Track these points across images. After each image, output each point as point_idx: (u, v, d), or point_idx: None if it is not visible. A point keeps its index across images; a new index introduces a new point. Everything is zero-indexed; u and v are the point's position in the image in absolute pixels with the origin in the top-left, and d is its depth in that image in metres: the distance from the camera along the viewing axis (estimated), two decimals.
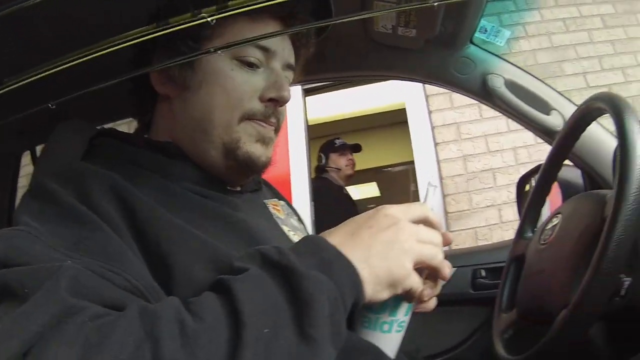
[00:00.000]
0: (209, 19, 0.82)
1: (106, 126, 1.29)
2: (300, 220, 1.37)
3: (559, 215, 1.18)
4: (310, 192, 4.37)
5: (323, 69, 1.82)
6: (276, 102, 1.06)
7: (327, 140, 4.79)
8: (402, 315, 0.88)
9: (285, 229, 1.16)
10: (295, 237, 1.14)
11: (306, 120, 4.68)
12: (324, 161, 4.64)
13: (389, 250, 0.79)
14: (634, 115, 0.94)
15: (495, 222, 4.08)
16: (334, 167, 4.60)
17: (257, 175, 1.15)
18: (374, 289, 0.78)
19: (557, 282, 1.06)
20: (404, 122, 4.57)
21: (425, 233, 0.84)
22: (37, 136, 1.90)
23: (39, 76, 0.92)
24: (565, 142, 1.30)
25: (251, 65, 1.04)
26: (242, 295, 0.65)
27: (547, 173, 1.37)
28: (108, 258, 0.76)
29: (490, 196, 4.15)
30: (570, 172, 1.63)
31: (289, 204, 1.40)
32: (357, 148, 4.84)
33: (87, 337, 0.58)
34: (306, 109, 4.75)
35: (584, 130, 1.24)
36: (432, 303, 0.93)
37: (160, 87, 1.07)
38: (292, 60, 1.13)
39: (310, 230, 1.28)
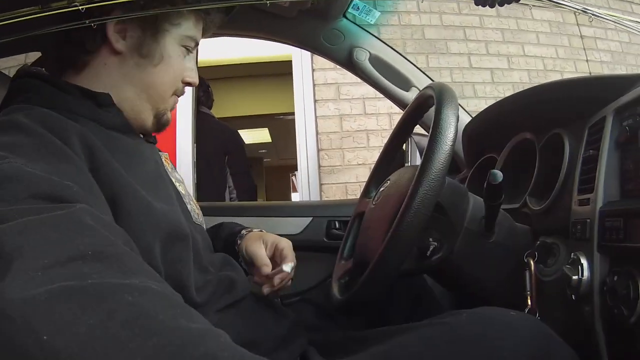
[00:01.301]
0: (80, 7, 0.93)
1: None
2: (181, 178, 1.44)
3: (389, 181, 1.31)
4: (193, 131, 4.32)
5: (205, 28, 1.93)
6: (189, 85, 1.24)
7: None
8: None
9: (172, 179, 1.26)
10: (180, 188, 1.27)
11: (195, 62, 4.61)
12: None
13: None
14: (453, 106, 1.07)
15: (364, 180, 4.10)
16: None
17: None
18: None
19: (376, 238, 1.17)
20: (290, 74, 4.65)
21: None
22: None
23: None
24: (406, 122, 1.45)
25: (187, 53, 1.22)
26: None
27: (391, 145, 1.52)
28: (84, 189, 0.79)
29: (362, 155, 4.29)
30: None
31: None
32: None
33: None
34: (197, 50, 4.67)
35: (423, 112, 1.35)
36: None
37: (117, 42, 1.10)
38: None
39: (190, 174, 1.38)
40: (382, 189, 1.33)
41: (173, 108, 1.24)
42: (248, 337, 1.02)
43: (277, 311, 1.21)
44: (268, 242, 1.28)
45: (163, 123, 1.22)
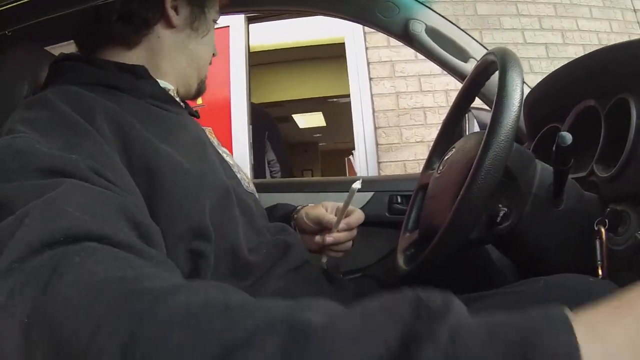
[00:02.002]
0: None
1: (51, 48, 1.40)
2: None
3: (454, 149, 1.29)
4: (248, 116, 4.40)
5: (258, 2, 1.96)
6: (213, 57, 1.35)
7: None
8: None
9: (219, 151, 1.28)
10: (228, 158, 1.30)
11: (248, 47, 4.68)
12: None
13: None
14: (518, 68, 1.05)
15: (423, 157, 4.07)
16: None
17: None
18: None
19: (442, 206, 1.17)
20: (344, 56, 4.64)
21: None
22: None
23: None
24: (468, 90, 1.42)
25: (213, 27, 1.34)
26: None
27: (453, 115, 1.49)
28: (102, 163, 0.79)
29: (420, 133, 4.26)
30: (489, 116, 1.77)
31: None
32: None
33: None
34: (248, 36, 4.76)
35: (485, 80, 1.34)
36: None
37: (173, 16, 1.19)
38: None
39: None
40: (446, 157, 1.31)
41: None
42: None
43: (339, 283, 1.20)
44: (328, 206, 1.37)
45: (203, 89, 1.34)
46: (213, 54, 1.35)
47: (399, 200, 2.06)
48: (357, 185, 1.19)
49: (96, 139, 0.85)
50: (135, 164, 0.90)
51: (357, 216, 1.37)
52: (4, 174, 0.70)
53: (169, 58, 1.21)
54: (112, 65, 1.13)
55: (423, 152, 4.21)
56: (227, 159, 1.30)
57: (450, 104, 1.48)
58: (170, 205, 0.91)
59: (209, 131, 1.35)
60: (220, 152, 1.28)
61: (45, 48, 1.40)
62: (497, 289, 0.96)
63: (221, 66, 4.46)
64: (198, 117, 1.35)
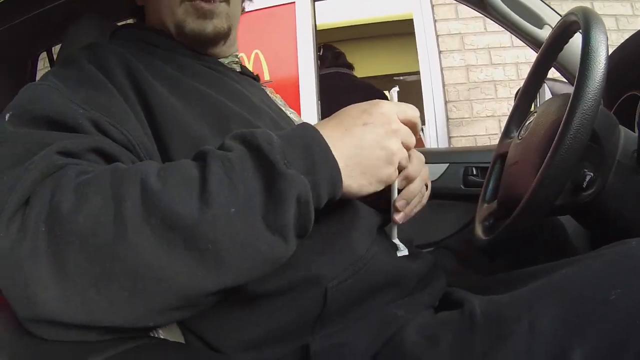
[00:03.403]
0: None
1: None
2: (296, 115, 1.47)
3: (535, 114, 1.26)
4: (317, 94, 4.41)
5: None
6: None
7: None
8: None
9: (282, 108, 1.29)
10: (292, 115, 1.30)
11: (314, 26, 4.67)
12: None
13: (379, 150, 0.85)
14: (602, 28, 1.01)
15: (494, 132, 4.13)
16: None
17: (207, 44, 1.25)
18: (359, 184, 0.85)
19: (526, 172, 1.14)
20: (411, 33, 4.59)
21: (409, 137, 0.92)
22: (51, 37, 2.00)
23: None
24: (547, 54, 1.37)
25: None
26: (215, 175, 0.70)
27: (531, 81, 1.44)
28: (110, 114, 0.89)
29: (490, 107, 4.20)
30: (564, 87, 1.71)
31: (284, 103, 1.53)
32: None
33: (73, 189, 0.68)
34: (315, 14, 4.75)
35: (564, 43, 1.30)
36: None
37: None
38: None
39: None
40: (527, 122, 1.28)
41: (199, 15, 1.21)
42: (394, 274, 0.99)
43: (415, 254, 1.17)
44: None
45: (191, 36, 1.22)
46: None
47: (474, 172, 2.02)
48: (395, 91, 1.08)
49: (112, 92, 0.95)
50: (149, 113, 0.98)
51: (413, 166, 1.02)
52: (18, 111, 0.86)
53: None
54: (146, 25, 1.30)
55: (494, 127, 4.17)
56: (292, 116, 1.31)
57: (521, 77, 1.45)
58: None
59: (269, 91, 1.38)
60: (283, 109, 1.30)
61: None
62: (583, 255, 0.92)
63: (289, 43, 4.47)
64: (257, 78, 1.39)
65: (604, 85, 0.95)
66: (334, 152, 0.80)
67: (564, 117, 0.96)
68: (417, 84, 4.50)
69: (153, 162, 0.83)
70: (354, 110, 0.90)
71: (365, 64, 7.96)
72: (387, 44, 7.75)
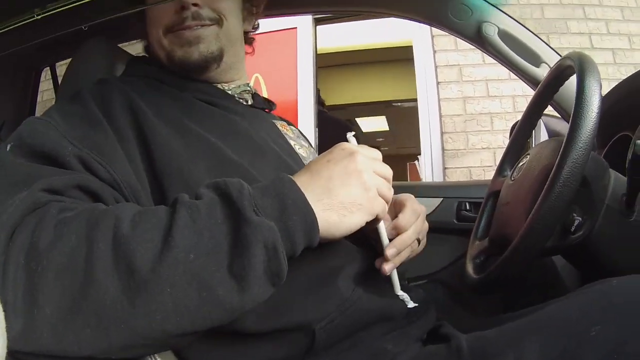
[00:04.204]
0: None
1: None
2: (310, 144, 1.50)
3: (528, 156, 1.28)
4: (315, 117, 4.43)
5: (331, 2, 1.97)
6: (182, 8, 1.22)
7: None
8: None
9: (291, 142, 1.30)
10: (301, 150, 1.31)
11: (315, 49, 4.69)
12: None
13: (349, 177, 0.87)
14: (596, 73, 1.03)
15: (489, 165, 4.14)
16: None
17: (199, 70, 1.27)
18: (339, 215, 0.85)
19: (517, 214, 1.16)
20: (410, 60, 4.62)
21: (380, 167, 0.93)
22: (55, 53, 2.02)
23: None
24: (543, 95, 1.39)
25: None
26: (181, 220, 0.73)
27: (526, 120, 1.46)
28: (100, 153, 0.92)
29: (486, 139, 4.21)
30: (559, 124, 1.73)
31: (301, 132, 1.56)
32: None
33: (53, 226, 0.72)
34: (316, 37, 4.78)
35: (559, 85, 1.32)
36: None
37: None
38: None
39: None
40: (520, 164, 1.29)
41: (183, 44, 1.24)
42: (381, 310, 1.00)
43: (406, 289, 1.18)
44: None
45: (179, 65, 1.25)
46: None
47: (468, 207, 2.03)
48: (351, 135, 1.09)
49: (107, 132, 0.99)
50: (148, 153, 1.01)
51: (404, 217, 1.07)
52: (17, 142, 0.91)
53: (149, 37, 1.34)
54: (156, 60, 1.30)
55: (489, 159, 4.18)
56: (300, 151, 1.31)
57: (517, 110, 1.47)
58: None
59: (281, 123, 1.39)
60: (293, 143, 1.31)
61: (119, 45, 1.48)
62: (566, 295, 0.94)
63: (289, 68, 4.49)
64: (269, 109, 1.42)
65: (595, 134, 0.97)
66: (306, 194, 0.82)
67: (555, 164, 0.98)
68: (414, 111, 4.53)
69: (132, 205, 0.86)
70: (318, 157, 0.93)
71: (364, 90, 8.00)
72: (385, 70, 7.79)
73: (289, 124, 1.52)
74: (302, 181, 0.84)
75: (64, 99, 1.12)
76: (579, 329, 0.78)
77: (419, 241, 1.12)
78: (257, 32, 1.50)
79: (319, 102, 4.67)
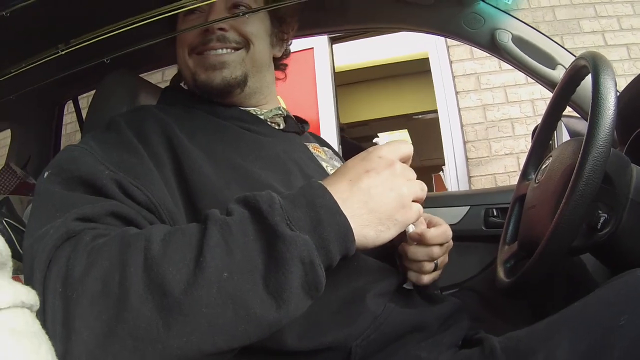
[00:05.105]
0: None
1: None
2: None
3: (550, 158, 1.28)
4: (337, 135, 4.45)
5: (344, 21, 1.99)
6: (208, 31, 1.26)
7: None
8: None
9: (323, 164, 1.32)
10: (333, 172, 1.31)
11: (333, 68, 4.73)
12: None
13: (388, 193, 0.86)
14: (610, 72, 1.04)
15: (513, 170, 4.14)
16: None
17: (221, 94, 1.29)
18: (377, 230, 0.85)
19: (543, 216, 1.16)
20: (428, 71, 4.64)
21: (411, 172, 0.92)
22: (78, 86, 2.07)
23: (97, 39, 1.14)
24: (560, 97, 1.40)
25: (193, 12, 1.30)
26: (212, 239, 0.74)
27: (546, 123, 1.46)
28: (136, 177, 0.95)
29: (508, 145, 4.21)
30: (579, 123, 1.73)
31: (335, 151, 1.57)
32: None
33: (86, 254, 0.75)
34: (333, 56, 4.80)
35: (576, 86, 1.32)
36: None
37: None
38: None
39: None
40: (543, 166, 1.30)
41: (207, 67, 1.27)
42: (414, 321, 1.02)
43: (438, 297, 1.19)
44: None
45: (201, 88, 1.28)
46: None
47: (495, 213, 2.04)
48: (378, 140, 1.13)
49: (142, 157, 1.02)
50: (182, 177, 1.04)
51: (435, 232, 1.10)
52: (55, 170, 0.94)
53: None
54: (187, 89, 1.37)
55: (512, 164, 4.18)
56: (331, 172, 1.31)
57: (537, 113, 1.47)
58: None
59: (312, 146, 1.40)
60: (325, 165, 1.33)
61: (140, 75, 1.51)
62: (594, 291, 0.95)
63: (308, 88, 4.53)
64: (300, 132, 1.43)
65: (613, 131, 0.98)
66: (342, 206, 0.82)
67: (577, 164, 0.99)
68: (435, 122, 4.53)
69: (163, 226, 0.88)
70: (354, 161, 0.93)
71: (384, 104, 7.99)
72: (403, 84, 7.77)
73: (323, 144, 1.54)
74: (338, 190, 0.84)
75: (99, 127, 1.15)
76: (606, 320, 0.80)
77: (436, 266, 1.14)
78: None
79: (341, 128, 4.73)
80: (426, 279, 1.12)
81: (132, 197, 0.92)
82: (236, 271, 0.73)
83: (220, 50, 1.26)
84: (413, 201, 0.90)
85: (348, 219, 0.81)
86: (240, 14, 1.24)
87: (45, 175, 0.95)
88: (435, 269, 1.13)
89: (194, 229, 0.79)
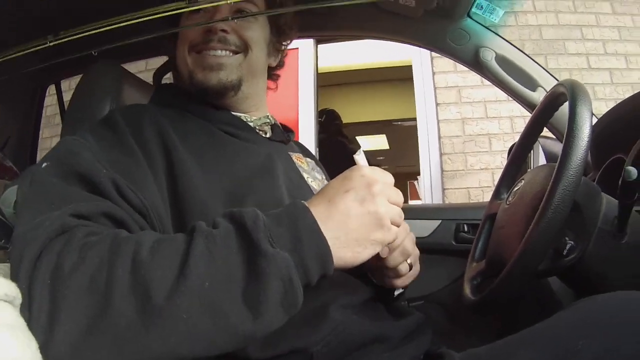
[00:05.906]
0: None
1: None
2: (325, 176, 1.52)
3: (523, 181, 1.30)
4: (315, 136, 4.47)
5: (333, 26, 2.01)
6: (209, 31, 1.28)
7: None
8: None
9: (304, 175, 1.34)
10: (313, 183, 1.34)
11: (316, 68, 4.73)
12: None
13: (367, 215, 0.88)
14: (587, 102, 1.06)
15: (487, 185, 4.16)
16: None
17: (216, 95, 1.30)
18: (354, 252, 0.87)
19: (511, 237, 1.18)
20: (410, 79, 4.65)
21: (394, 195, 0.93)
22: (62, 70, 2.06)
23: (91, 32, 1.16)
24: (537, 121, 1.42)
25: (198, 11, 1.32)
26: (197, 249, 0.76)
27: (521, 145, 1.49)
28: (132, 179, 0.97)
29: (485, 160, 4.23)
30: (556, 145, 1.75)
31: (317, 161, 1.58)
32: None
33: (78, 250, 0.76)
34: (317, 56, 4.80)
35: (554, 111, 1.35)
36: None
37: None
38: None
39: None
40: (515, 188, 1.32)
41: (205, 67, 1.28)
42: (376, 332, 1.03)
43: (403, 309, 1.21)
44: None
45: (197, 88, 1.29)
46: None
47: (466, 229, 2.06)
48: (360, 153, 1.13)
49: (138, 159, 1.03)
50: (172, 181, 1.06)
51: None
52: (53, 162, 0.96)
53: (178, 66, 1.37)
54: (184, 91, 1.35)
55: (487, 180, 4.20)
56: (313, 184, 1.34)
57: (515, 130, 1.49)
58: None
59: (295, 156, 1.42)
60: (306, 176, 1.35)
61: (122, 65, 1.52)
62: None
63: (290, 87, 4.53)
64: (286, 141, 1.44)
65: (585, 162, 1.00)
66: (321, 227, 0.84)
67: (547, 192, 1.01)
68: (413, 130, 4.55)
69: (153, 232, 0.90)
70: (335, 181, 0.94)
71: (364, 108, 8.00)
72: (385, 89, 7.79)
73: (306, 154, 1.56)
74: (318, 211, 0.86)
75: (99, 121, 1.16)
76: (566, 343, 0.82)
77: (410, 266, 1.16)
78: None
79: (342, 135, 4.74)
80: (408, 280, 1.17)
81: (126, 199, 0.94)
82: (217, 281, 0.75)
83: (219, 52, 1.28)
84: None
85: (327, 240, 0.83)
86: (243, 15, 1.29)
87: (43, 165, 0.96)
88: (410, 269, 1.16)
89: (182, 238, 0.81)
